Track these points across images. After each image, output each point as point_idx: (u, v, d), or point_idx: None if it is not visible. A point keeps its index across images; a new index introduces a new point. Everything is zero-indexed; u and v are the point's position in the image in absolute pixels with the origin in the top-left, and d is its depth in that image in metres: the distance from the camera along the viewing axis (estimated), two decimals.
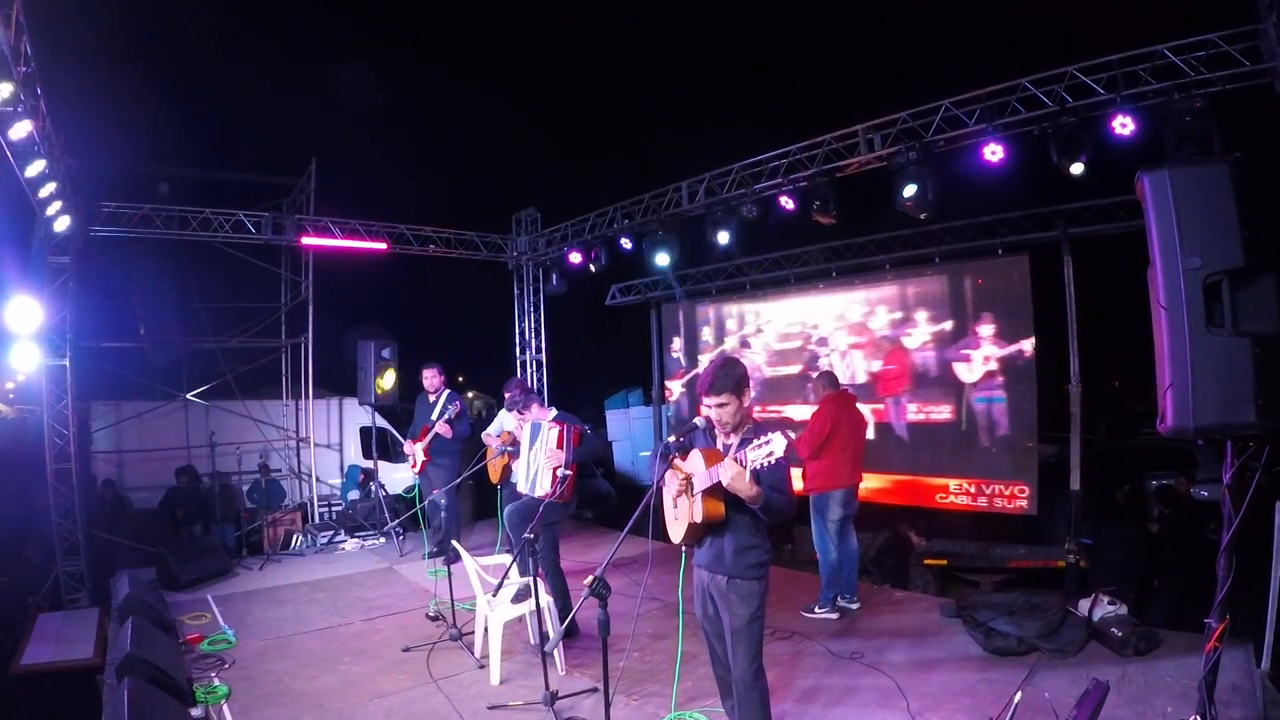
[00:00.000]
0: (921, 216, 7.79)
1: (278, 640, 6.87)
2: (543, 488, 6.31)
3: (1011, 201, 8.80)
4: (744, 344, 11.75)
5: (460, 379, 9.29)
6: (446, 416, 8.91)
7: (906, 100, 7.80)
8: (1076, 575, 8.07)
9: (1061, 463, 8.73)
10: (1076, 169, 6.78)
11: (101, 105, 10.17)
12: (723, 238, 9.37)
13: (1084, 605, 5.97)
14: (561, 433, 6.28)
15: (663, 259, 9.87)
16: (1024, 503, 8.61)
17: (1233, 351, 3.49)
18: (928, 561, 9.81)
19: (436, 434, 8.95)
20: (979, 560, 9.53)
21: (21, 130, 6.29)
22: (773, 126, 9.72)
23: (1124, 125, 6.46)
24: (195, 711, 5.20)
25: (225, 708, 5.40)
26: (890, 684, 5.35)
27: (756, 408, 10.98)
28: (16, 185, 7.45)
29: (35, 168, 7.18)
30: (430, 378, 9.35)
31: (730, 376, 3.95)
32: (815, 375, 8.64)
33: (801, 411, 10.85)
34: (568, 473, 6.17)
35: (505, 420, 8.31)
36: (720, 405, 3.94)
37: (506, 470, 7.97)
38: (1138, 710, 4.69)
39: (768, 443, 3.50)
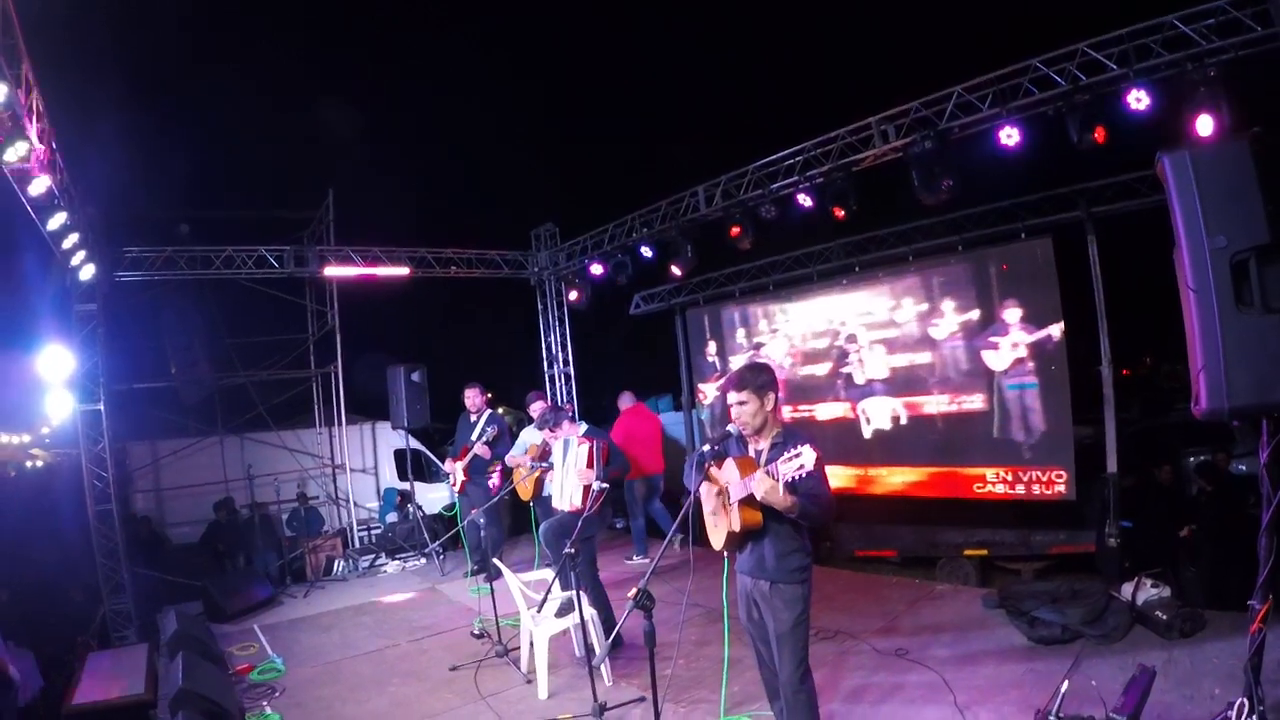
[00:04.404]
0: (930, 204, 7.78)
1: (326, 666, 6.96)
2: (575, 503, 6.34)
3: (1031, 184, 8.72)
4: (768, 340, 11.73)
5: (489, 396, 9.38)
6: (485, 438, 9.01)
7: (918, 89, 7.77)
8: (1117, 559, 7.98)
9: (1097, 445, 8.62)
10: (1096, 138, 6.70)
11: (116, 152, 10.31)
12: (742, 239, 9.38)
13: (1127, 589, 5.92)
14: (591, 449, 6.32)
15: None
16: (1062, 488, 8.51)
17: (1264, 330, 3.46)
18: (968, 552, 9.75)
19: (475, 455, 9.04)
20: (1019, 548, 9.46)
21: (40, 186, 6.36)
22: (785, 125, 9.70)
23: (1139, 100, 6.35)
24: None
25: None
26: (936, 678, 5.34)
27: (788, 408, 10.97)
28: (36, 237, 7.58)
29: (57, 220, 7.27)
30: (472, 397, 9.49)
31: (753, 378, 4.05)
32: (622, 393, 10.86)
33: (832, 410, 10.81)
34: (604, 485, 6.20)
35: (530, 437, 8.38)
36: (740, 403, 4.02)
37: (539, 487, 8.03)
38: (1185, 694, 4.65)
39: (798, 455, 3.53)
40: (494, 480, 9.12)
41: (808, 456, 3.49)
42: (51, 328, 9.29)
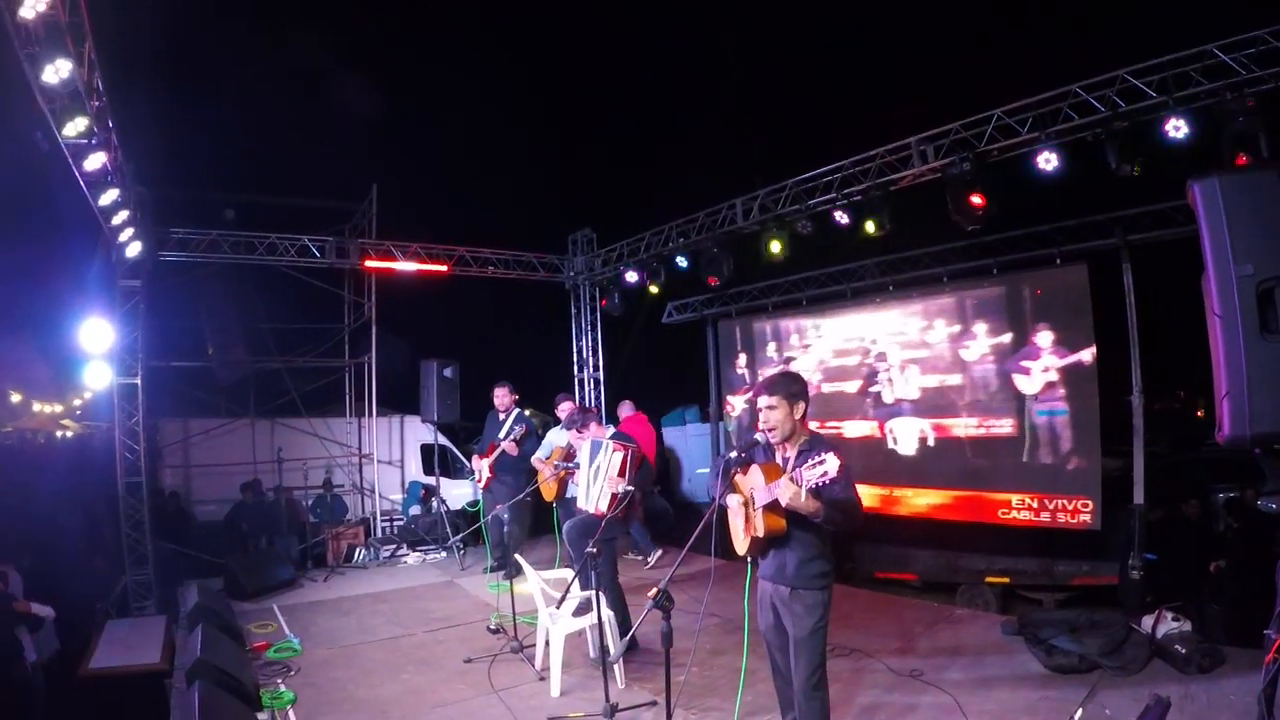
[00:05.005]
0: (969, 229, 7.79)
1: (342, 649, 7.05)
2: (602, 506, 6.37)
3: (1068, 209, 8.65)
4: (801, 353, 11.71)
5: (517, 396, 9.53)
6: (514, 437, 9.09)
7: (958, 111, 7.76)
8: (1140, 591, 7.88)
9: (1125, 476, 8.53)
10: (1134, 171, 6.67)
11: (168, 135, 10.52)
12: (777, 253, 9.41)
13: (1147, 622, 5.86)
14: (625, 458, 6.33)
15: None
16: (1087, 517, 8.42)
17: None
18: (989, 579, 9.65)
19: (503, 452, 9.12)
20: (1041, 578, 9.36)
21: (96, 162, 6.59)
22: (824, 142, 9.72)
23: (1177, 128, 6.32)
24: (262, 716, 5.39)
25: (291, 713, 5.59)
26: (950, 701, 5.31)
27: (815, 425, 10.90)
28: (85, 211, 7.78)
29: (108, 196, 7.52)
30: (501, 396, 9.59)
31: (785, 384, 4.10)
32: (622, 401, 11.51)
33: (860, 429, 10.77)
34: (630, 488, 6.21)
35: (556, 438, 8.43)
36: (769, 408, 4.07)
37: (562, 488, 8.07)
38: None
39: (822, 461, 3.56)
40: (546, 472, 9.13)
41: (831, 464, 3.53)
42: (94, 300, 9.54)
